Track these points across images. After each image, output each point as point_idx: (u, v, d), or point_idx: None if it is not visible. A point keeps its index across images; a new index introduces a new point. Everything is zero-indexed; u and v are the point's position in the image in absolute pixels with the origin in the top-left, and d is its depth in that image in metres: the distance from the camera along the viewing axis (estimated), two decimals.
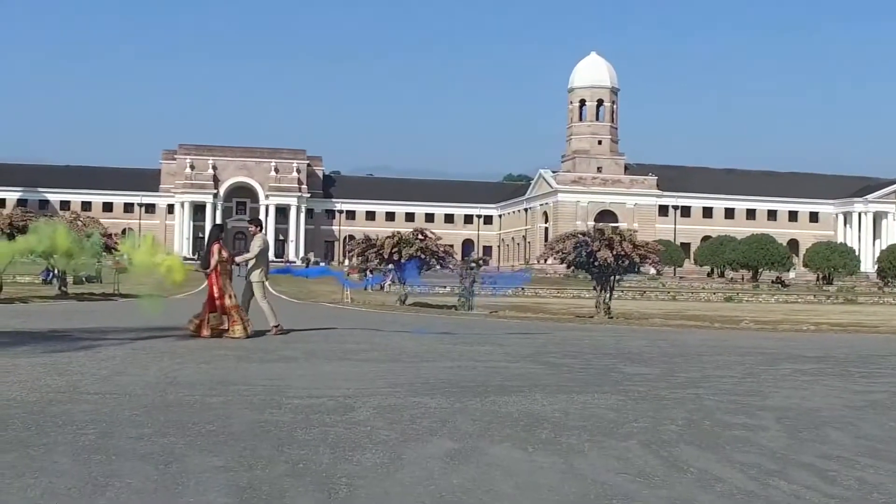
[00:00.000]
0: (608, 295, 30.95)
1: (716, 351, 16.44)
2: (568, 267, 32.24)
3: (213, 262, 16.14)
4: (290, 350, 14.05)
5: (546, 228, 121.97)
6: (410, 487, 5.49)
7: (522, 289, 64.99)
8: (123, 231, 76.31)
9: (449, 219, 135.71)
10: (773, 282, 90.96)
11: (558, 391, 9.83)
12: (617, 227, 32.99)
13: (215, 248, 16.33)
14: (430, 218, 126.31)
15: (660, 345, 17.77)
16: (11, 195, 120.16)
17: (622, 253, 29.28)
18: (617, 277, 32.01)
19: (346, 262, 53.08)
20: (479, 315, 31.41)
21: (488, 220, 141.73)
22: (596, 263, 29.73)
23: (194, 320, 15.98)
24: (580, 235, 30.81)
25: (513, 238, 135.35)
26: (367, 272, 55.64)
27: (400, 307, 35.98)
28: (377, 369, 11.71)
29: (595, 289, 31.59)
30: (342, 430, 7.19)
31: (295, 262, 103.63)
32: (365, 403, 8.56)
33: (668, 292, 72.40)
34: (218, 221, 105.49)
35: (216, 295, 15.92)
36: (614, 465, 6.24)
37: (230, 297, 16.11)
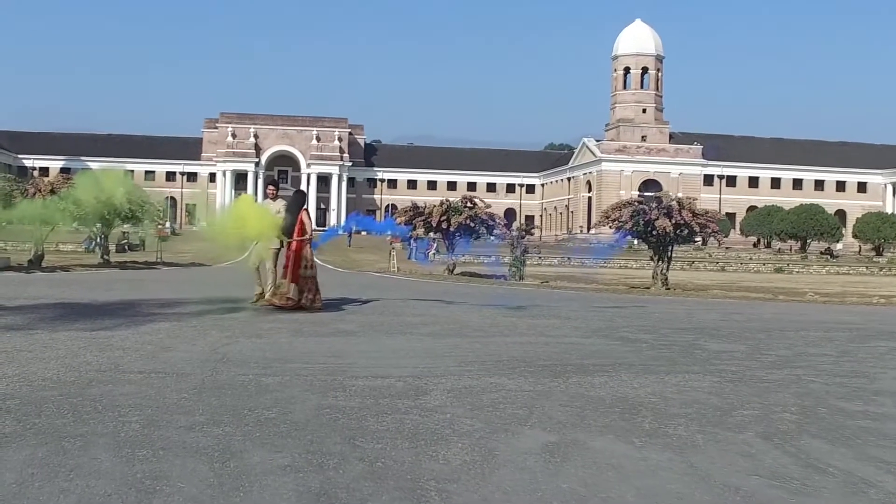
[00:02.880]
0: (665, 265, 29.89)
1: (797, 326, 15.41)
2: (623, 236, 31.20)
3: (307, 230, 15.50)
4: (347, 323, 13.19)
5: (589, 198, 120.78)
6: (513, 494, 4.59)
7: (569, 259, 64.13)
8: (166, 199, 75.88)
9: (491, 188, 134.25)
10: (821, 253, 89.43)
11: (645, 371, 8.91)
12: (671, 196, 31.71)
13: (304, 216, 15.53)
14: (472, 187, 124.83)
15: (734, 318, 16.77)
16: (55, 164, 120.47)
17: (681, 222, 28.19)
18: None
19: (389, 231, 52.22)
20: (531, 285, 30.55)
21: (531, 189, 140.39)
22: (654, 232, 28.67)
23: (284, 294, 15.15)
24: (637, 203, 29.77)
25: (555, 207, 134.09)
26: (411, 240, 54.97)
27: (448, 277, 35.22)
28: (442, 345, 10.83)
29: (652, 259, 30.55)
30: (418, 417, 6.30)
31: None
32: (437, 385, 7.67)
33: (717, 263, 71.23)
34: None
35: (297, 264, 15.11)
36: (741, 464, 5.33)
37: (309, 267, 15.35)
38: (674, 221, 28.10)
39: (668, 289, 28.68)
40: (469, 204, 38.24)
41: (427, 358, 9.49)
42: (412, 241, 55.54)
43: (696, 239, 33.22)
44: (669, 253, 30.19)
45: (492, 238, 41.56)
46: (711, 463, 5.33)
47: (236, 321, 12.96)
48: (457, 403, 6.88)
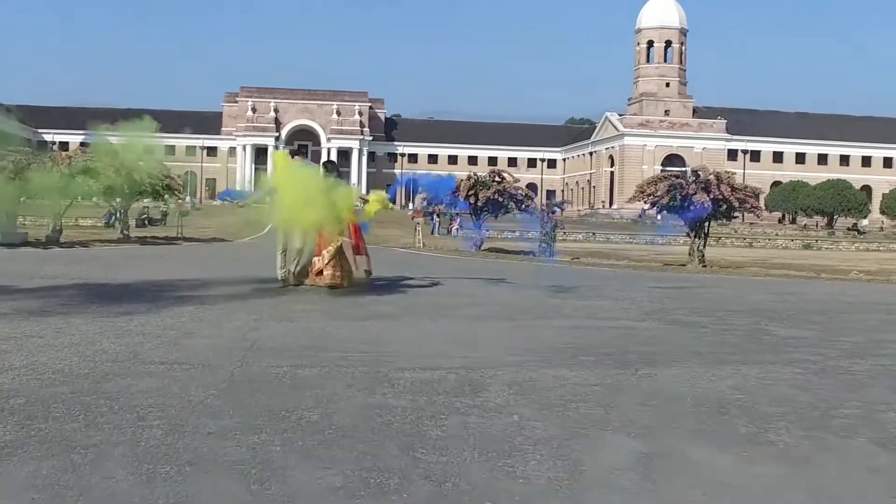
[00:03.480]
0: (702, 242, 28.96)
1: (858, 308, 14.50)
2: (658, 211, 30.24)
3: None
4: (382, 304, 12.29)
5: (612, 172, 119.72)
6: None
7: (594, 234, 63.21)
8: (186, 174, 75.35)
9: (512, 162, 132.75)
10: (848, 229, 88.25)
11: (716, 361, 8.03)
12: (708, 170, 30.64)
13: None
14: (492, 161, 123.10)
15: (789, 299, 15.81)
16: (75, 138, 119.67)
17: (720, 196, 27.23)
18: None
19: (410, 205, 51.01)
20: (561, 262, 29.67)
21: (552, 163, 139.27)
22: (691, 208, 27.70)
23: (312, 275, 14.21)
24: (673, 178, 28.78)
25: (577, 182, 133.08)
26: (434, 216, 54.11)
27: (476, 253, 34.37)
28: (488, 330, 9.98)
29: (688, 235, 29.60)
30: (481, 420, 5.45)
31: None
32: (494, 378, 6.80)
33: (744, 239, 70.22)
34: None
35: (359, 235, 14.30)
36: (871, 482, 4.50)
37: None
38: (712, 196, 27.15)
39: (705, 266, 27.77)
40: (497, 178, 37.33)
41: (475, 345, 8.65)
42: (434, 215, 54.66)
43: (736, 214, 32.28)
44: (706, 229, 29.28)
45: (518, 213, 40.56)
46: (832, 481, 4.53)
47: (264, 303, 12.10)
48: (521, 401, 6.03)
